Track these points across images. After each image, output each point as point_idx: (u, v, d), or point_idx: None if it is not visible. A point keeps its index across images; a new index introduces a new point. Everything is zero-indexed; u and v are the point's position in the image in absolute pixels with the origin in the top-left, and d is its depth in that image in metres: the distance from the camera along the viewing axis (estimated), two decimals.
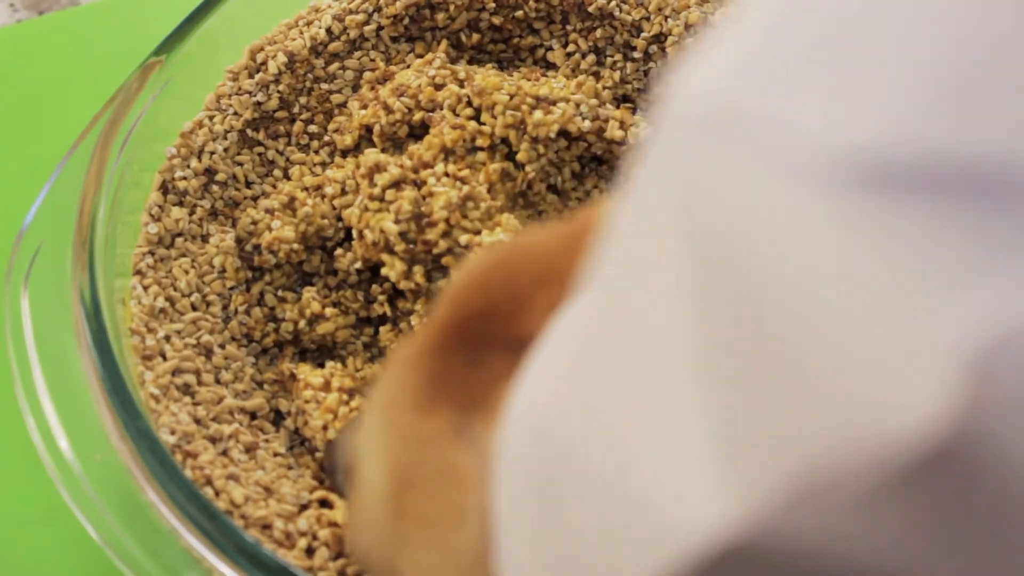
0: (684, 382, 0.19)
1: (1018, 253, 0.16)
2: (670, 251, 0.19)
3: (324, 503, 0.47)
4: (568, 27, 0.60)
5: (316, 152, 0.57)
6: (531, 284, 0.27)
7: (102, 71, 0.54)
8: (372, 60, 0.58)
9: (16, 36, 0.71)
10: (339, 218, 0.54)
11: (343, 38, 0.58)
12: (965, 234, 0.16)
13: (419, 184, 0.52)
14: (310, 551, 0.45)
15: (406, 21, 0.59)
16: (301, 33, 0.57)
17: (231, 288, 0.52)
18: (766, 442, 0.18)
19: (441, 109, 0.55)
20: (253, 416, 0.49)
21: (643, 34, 0.60)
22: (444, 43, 0.59)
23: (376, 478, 0.30)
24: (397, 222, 0.50)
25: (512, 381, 0.26)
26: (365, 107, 0.56)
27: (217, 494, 0.45)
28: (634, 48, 0.61)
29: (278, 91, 0.56)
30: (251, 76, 0.56)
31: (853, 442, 0.17)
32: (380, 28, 0.59)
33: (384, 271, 0.51)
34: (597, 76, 0.59)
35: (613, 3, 0.59)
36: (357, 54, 0.58)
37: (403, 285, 0.51)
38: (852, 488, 0.17)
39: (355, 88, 0.58)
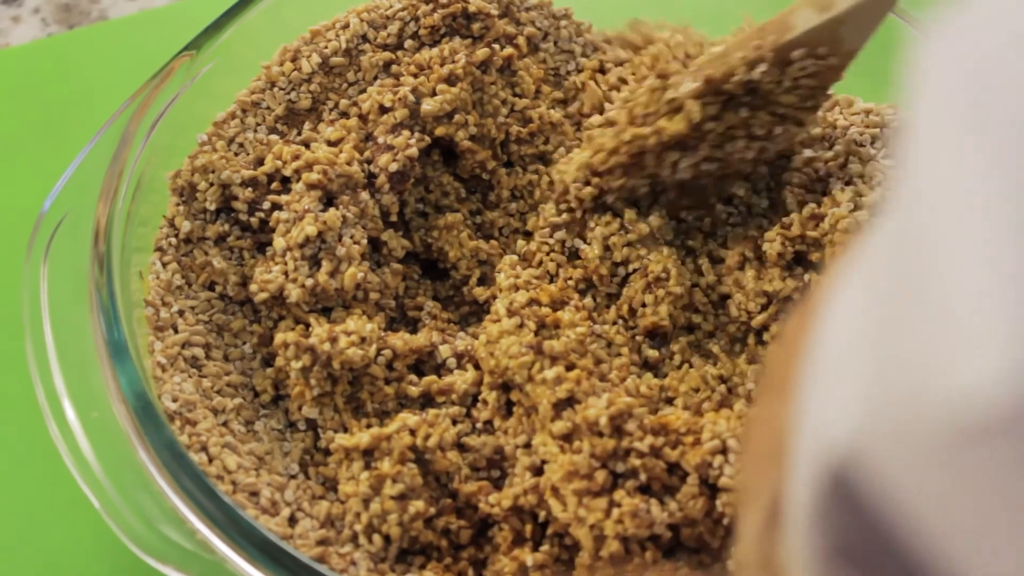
0: None
1: None
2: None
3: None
4: None
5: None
6: None
7: (130, 83, 0.55)
8: (407, 66, 0.58)
9: (47, 49, 0.73)
10: None
11: (377, 42, 0.58)
12: None
13: None
14: (293, 520, 0.45)
15: (443, 31, 0.59)
16: (337, 36, 0.58)
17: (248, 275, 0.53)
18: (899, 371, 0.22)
19: None
20: (256, 393, 0.50)
21: None
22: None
23: None
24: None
25: None
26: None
27: (211, 460, 0.46)
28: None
29: (309, 91, 0.57)
30: (285, 74, 0.57)
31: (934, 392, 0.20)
32: (417, 35, 0.59)
33: None
34: None
35: None
36: (392, 59, 0.59)
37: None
38: (929, 435, 0.20)
39: None
